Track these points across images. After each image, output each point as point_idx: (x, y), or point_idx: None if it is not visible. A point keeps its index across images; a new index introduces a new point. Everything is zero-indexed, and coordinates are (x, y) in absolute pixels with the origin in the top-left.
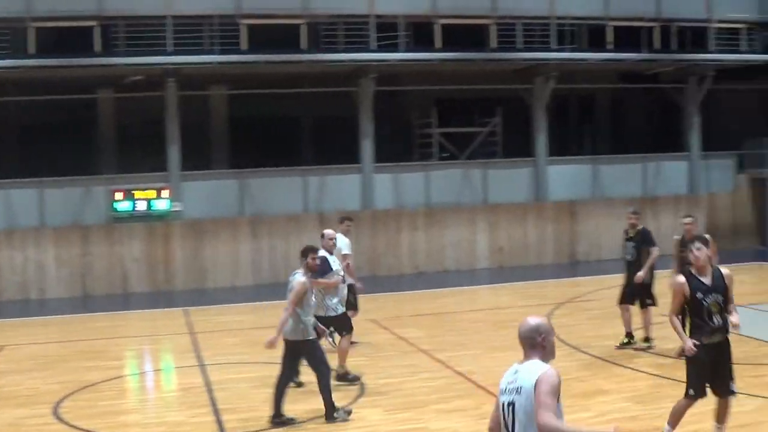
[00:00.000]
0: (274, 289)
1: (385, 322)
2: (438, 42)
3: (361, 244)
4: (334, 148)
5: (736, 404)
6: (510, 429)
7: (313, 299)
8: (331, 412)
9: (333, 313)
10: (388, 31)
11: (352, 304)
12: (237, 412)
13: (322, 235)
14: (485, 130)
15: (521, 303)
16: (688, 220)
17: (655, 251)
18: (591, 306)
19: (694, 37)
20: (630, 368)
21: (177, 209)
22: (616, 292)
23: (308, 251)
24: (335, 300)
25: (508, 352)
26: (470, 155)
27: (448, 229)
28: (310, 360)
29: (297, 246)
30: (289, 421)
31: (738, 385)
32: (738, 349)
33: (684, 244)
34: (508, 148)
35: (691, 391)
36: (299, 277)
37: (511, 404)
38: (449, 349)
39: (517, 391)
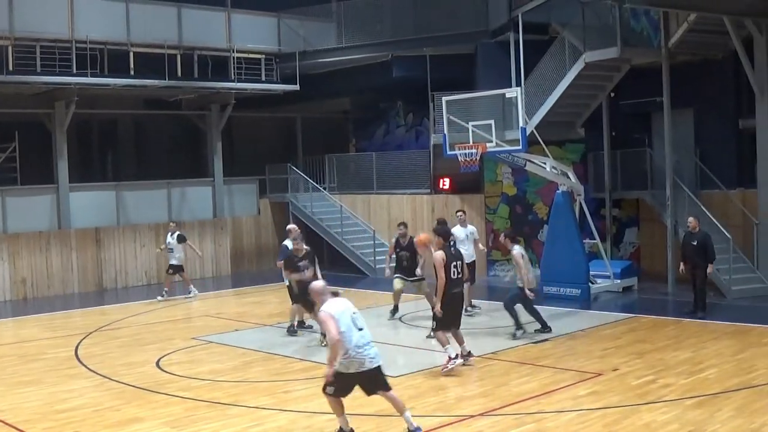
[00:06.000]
0: None
1: None
2: None
3: None
4: None
5: (265, 421)
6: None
7: None
8: None
9: None
10: None
11: None
12: None
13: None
14: (3, 156)
15: (48, 335)
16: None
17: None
18: (120, 334)
19: (216, 65)
20: (163, 393)
21: None
22: (144, 318)
23: None
24: None
25: (37, 386)
26: None
27: None
28: None
29: None
30: None
31: (269, 401)
32: (267, 367)
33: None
34: (28, 175)
35: None
36: None
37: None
38: None
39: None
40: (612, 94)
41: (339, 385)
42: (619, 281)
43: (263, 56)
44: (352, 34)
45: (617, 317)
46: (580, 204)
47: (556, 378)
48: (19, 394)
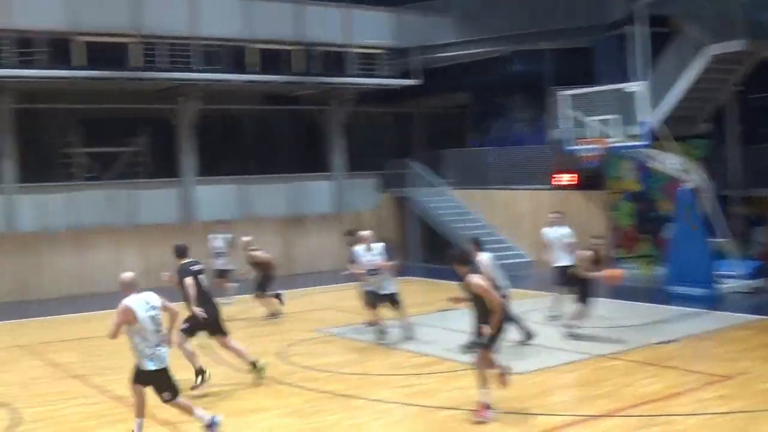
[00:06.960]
0: None
1: (34, 348)
2: (79, 59)
3: (5, 268)
4: None
5: (386, 414)
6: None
7: None
8: None
9: None
10: (25, 47)
11: None
12: None
13: None
14: (130, 150)
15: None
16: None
17: None
18: (243, 324)
19: (335, 61)
20: (286, 384)
21: None
22: (267, 310)
23: None
24: None
25: None
26: (116, 175)
27: (95, 251)
28: None
29: None
30: None
31: (389, 395)
32: (387, 361)
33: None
34: (154, 168)
35: None
36: None
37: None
38: (105, 374)
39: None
40: (741, 88)
41: (142, 381)
42: (748, 281)
43: (381, 51)
44: (470, 28)
45: (746, 319)
46: (706, 201)
47: (682, 380)
48: None
